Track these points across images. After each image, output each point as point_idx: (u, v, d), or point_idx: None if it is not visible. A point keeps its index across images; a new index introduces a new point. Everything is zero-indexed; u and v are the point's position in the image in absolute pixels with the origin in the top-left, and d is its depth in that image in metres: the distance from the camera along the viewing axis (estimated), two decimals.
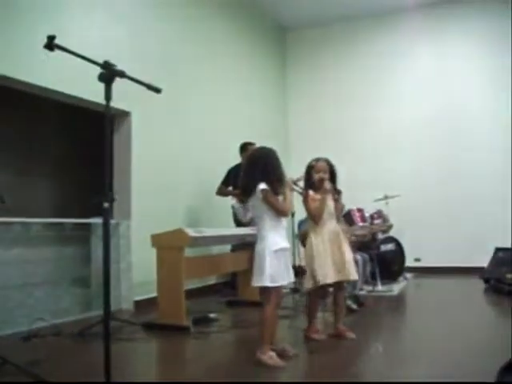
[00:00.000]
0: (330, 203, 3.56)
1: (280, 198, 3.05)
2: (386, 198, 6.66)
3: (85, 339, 3.64)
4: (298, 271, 4.31)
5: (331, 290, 3.76)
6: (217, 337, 3.78)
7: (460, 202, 7.37)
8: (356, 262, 4.59)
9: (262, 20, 8.16)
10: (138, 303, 4.90)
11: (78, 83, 4.32)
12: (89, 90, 4.05)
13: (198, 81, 6.25)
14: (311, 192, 3.54)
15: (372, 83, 8.19)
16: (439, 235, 7.37)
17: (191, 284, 4.99)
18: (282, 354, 2.99)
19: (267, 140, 4.14)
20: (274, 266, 2.92)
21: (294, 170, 3.83)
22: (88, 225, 4.99)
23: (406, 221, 7.18)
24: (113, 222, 4.72)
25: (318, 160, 3.61)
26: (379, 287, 5.78)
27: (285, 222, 3.14)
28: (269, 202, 2.97)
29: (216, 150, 6.39)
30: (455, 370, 2.72)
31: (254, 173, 3.02)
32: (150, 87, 2.37)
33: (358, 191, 6.44)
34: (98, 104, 4.26)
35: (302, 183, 3.59)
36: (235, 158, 5.78)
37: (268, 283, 2.91)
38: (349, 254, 3.54)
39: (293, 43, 8.93)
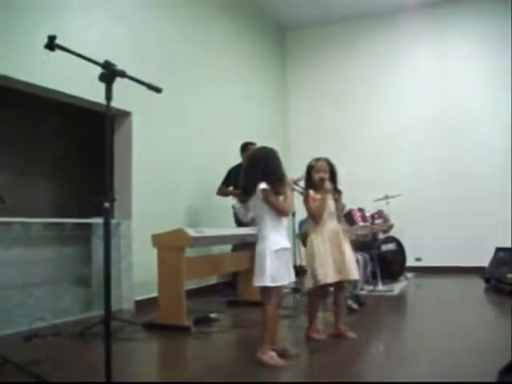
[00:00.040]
0: (331, 203, 3.56)
1: (281, 197, 3.05)
2: (386, 197, 6.66)
3: (85, 339, 3.64)
4: (299, 271, 4.31)
5: (332, 289, 3.76)
6: (217, 337, 3.78)
7: (460, 201, 7.37)
8: (357, 261, 4.59)
9: (262, 20, 8.16)
10: (138, 303, 4.90)
11: (79, 83, 4.32)
12: (89, 90, 4.06)
13: (198, 81, 6.25)
14: (311, 192, 3.54)
15: (372, 83, 8.19)
16: (440, 235, 7.37)
17: (192, 284, 4.99)
18: (282, 354, 2.99)
19: (267, 140, 4.14)
20: (274, 266, 2.92)
21: (294, 169, 3.83)
22: (88, 225, 4.99)
23: (407, 221, 7.19)
24: (113, 221, 4.72)
25: (318, 160, 3.61)
26: (380, 287, 5.78)
27: (285, 221, 3.14)
28: (269, 202, 2.97)
29: (216, 150, 6.39)
30: (455, 370, 2.72)
31: (254, 173, 3.02)
32: (150, 87, 2.37)
33: (359, 191, 6.44)
34: (98, 104, 4.26)
35: (302, 183, 3.59)
36: (236, 158, 5.78)
37: (269, 283, 2.91)
38: (350, 254, 3.54)
39: (293, 43, 8.93)
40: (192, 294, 4.64)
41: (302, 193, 3.58)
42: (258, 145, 4.10)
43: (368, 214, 6.41)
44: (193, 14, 6.23)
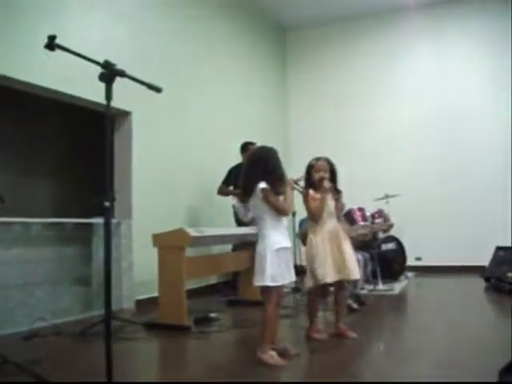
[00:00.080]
0: (330, 203, 3.55)
1: (281, 197, 3.05)
2: (386, 197, 6.67)
3: (86, 339, 3.64)
4: (299, 270, 4.31)
5: (332, 289, 3.76)
6: (218, 336, 3.78)
7: (460, 201, 7.37)
8: (357, 261, 4.59)
9: (262, 20, 8.16)
10: (139, 303, 4.91)
11: (79, 83, 4.32)
12: (89, 89, 4.06)
13: (198, 81, 6.25)
14: (311, 191, 3.54)
15: (372, 83, 8.18)
16: (440, 234, 7.38)
17: (192, 283, 5.00)
18: (283, 354, 2.99)
19: (267, 140, 4.14)
20: (274, 266, 2.92)
21: (294, 169, 3.83)
22: (89, 224, 4.99)
23: (407, 220, 7.19)
24: (114, 221, 4.72)
25: (318, 159, 3.61)
26: (380, 286, 5.78)
27: (285, 221, 3.14)
28: (269, 202, 2.97)
29: (216, 150, 6.39)
30: (456, 370, 2.72)
31: (254, 172, 3.02)
32: (150, 86, 2.37)
33: (359, 190, 6.44)
34: (98, 104, 4.26)
35: (302, 183, 3.58)
36: (236, 158, 5.78)
37: (269, 282, 2.91)
38: (350, 253, 3.53)
39: (293, 43, 8.93)
40: (192, 293, 4.64)
41: (302, 192, 3.58)
42: (258, 144, 4.09)
43: (368, 214, 6.41)
44: (193, 13, 6.23)
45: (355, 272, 3.53)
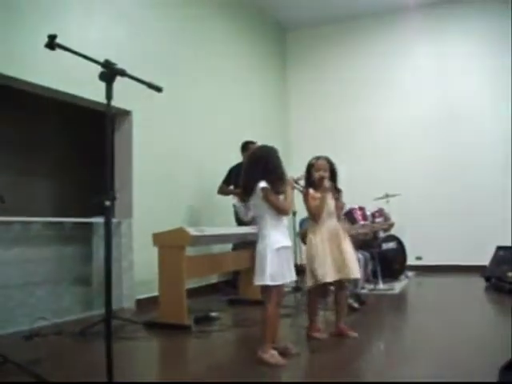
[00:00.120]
0: (330, 202, 3.55)
1: (281, 196, 3.05)
2: (386, 196, 6.67)
3: (86, 338, 3.64)
4: (300, 270, 4.31)
5: (333, 288, 3.75)
6: (218, 336, 3.78)
7: (461, 200, 7.37)
8: (358, 260, 4.58)
9: (262, 20, 8.16)
10: (139, 302, 4.91)
11: (79, 82, 4.32)
12: (89, 89, 4.06)
13: (198, 81, 6.25)
14: (311, 190, 3.54)
15: (373, 83, 8.18)
16: (440, 234, 7.37)
17: (192, 283, 5.00)
18: (283, 353, 2.99)
19: (268, 139, 4.14)
20: (275, 265, 2.92)
21: (294, 169, 3.83)
22: (89, 224, 4.99)
23: (408, 219, 7.18)
24: (114, 220, 4.73)
25: (318, 158, 3.61)
26: (381, 286, 5.78)
27: (286, 220, 3.14)
28: (269, 201, 2.97)
29: (217, 149, 6.39)
30: (456, 369, 2.72)
31: (254, 171, 3.02)
32: (150, 86, 2.37)
33: (359, 190, 6.45)
34: (98, 103, 4.27)
35: (302, 182, 3.58)
36: (236, 157, 5.78)
37: (269, 282, 2.91)
38: (350, 253, 3.53)
39: (293, 43, 8.93)
40: (193, 292, 4.64)
41: (302, 191, 3.58)
42: (259, 144, 4.09)
43: (368, 213, 6.40)
44: (193, 13, 6.23)
45: (355, 271, 3.53)
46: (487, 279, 5.88)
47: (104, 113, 2.26)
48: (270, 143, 3.28)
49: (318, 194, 3.50)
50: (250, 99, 7.49)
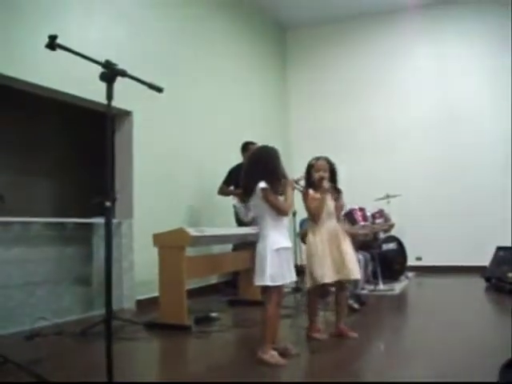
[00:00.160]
0: (330, 203, 3.54)
1: (282, 197, 3.05)
2: (387, 197, 6.67)
3: (87, 338, 3.64)
4: (300, 270, 4.31)
5: (333, 289, 3.75)
6: (218, 336, 3.78)
7: (461, 201, 7.37)
8: (358, 261, 4.58)
9: (261, 19, 8.15)
10: (139, 302, 4.91)
11: (79, 83, 4.33)
12: (90, 89, 4.06)
13: (198, 81, 6.25)
14: (311, 191, 3.53)
15: (373, 83, 8.18)
16: (440, 234, 7.37)
17: (193, 283, 5.00)
18: (283, 353, 2.99)
19: (268, 140, 4.14)
20: (274, 266, 2.92)
21: (295, 169, 3.83)
22: (89, 224, 4.99)
23: (408, 220, 7.18)
24: (115, 221, 4.73)
25: (318, 159, 3.60)
26: (381, 286, 5.78)
27: (286, 221, 3.14)
28: (268, 201, 2.97)
29: (217, 150, 6.39)
30: (456, 370, 2.72)
31: (254, 172, 3.02)
32: (151, 86, 2.37)
33: (359, 190, 6.44)
34: (99, 104, 4.27)
35: (302, 182, 3.58)
36: (236, 158, 5.78)
37: (269, 282, 2.91)
38: (350, 253, 3.52)
39: (293, 43, 8.92)
40: (193, 293, 4.65)
41: (302, 191, 3.58)
42: (259, 144, 4.09)
43: (369, 214, 6.40)
44: (193, 13, 6.23)
45: (355, 272, 3.52)
46: (487, 280, 5.88)
47: (104, 113, 2.25)
48: (270, 143, 3.28)
49: (318, 195, 3.49)
50: (249, 99, 7.49)
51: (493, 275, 5.78)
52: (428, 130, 7.73)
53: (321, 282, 3.41)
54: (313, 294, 3.61)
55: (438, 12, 7.75)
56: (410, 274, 6.90)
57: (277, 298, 3.00)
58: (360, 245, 5.87)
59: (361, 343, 3.43)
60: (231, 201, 5.74)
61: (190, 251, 4.23)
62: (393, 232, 6.78)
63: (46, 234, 4.69)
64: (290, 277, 3.04)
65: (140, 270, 4.87)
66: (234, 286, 5.59)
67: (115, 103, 2.26)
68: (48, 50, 2.12)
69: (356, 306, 4.53)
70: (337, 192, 3.60)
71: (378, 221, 6.44)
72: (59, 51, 2.13)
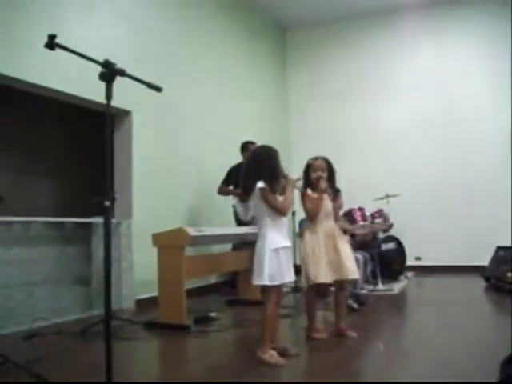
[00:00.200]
0: (327, 203, 3.54)
1: (282, 197, 3.05)
2: (386, 197, 6.67)
3: (86, 338, 3.64)
4: (299, 270, 4.31)
5: (332, 289, 3.75)
6: (217, 336, 3.78)
7: (460, 200, 7.38)
8: (356, 261, 4.58)
9: (261, 19, 8.15)
10: (139, 302, 4.91)
11: (79, 82, 4.33)
12: (89, 89, 4.06)
13: (198, 81, 6.25)
14: (309, 191, 3.53)
15: (373, 83, 8.19)
16: (440, 234, 7.38)
17: (192, 283, 5.00)
18: (283, 353, 2.99)
19: (268, 139, 4.14)
20: (273, 265, 2.92)
21: (295, 169, 3.82)
22: (89, 224, 4.99)
23: (407, 220, 7.18)
24: (114, 221, 4.73)
25: (315, 159, 3.60)
26: (380, 286, 5.78)
27: (285, 220, 3.14)
28: (267, 201, 2.97)
29: (217, 150, 6.39)
30: (456, 369, 2.72)
31: (254, 171, 3.02)
32: (150, 86, 2.37)
33: (359, 190, 6.45)
34: (98, 103, 4.27)
35: (301, 182, 3.58)
36: (236, 157, 5.78)
37: (267, 282, 2.91)
38: (347, 253, 3.51)
39: (293, 42, 8.93)
40: (192, 293, 4.65)
41: (300, 191, 3.58)
42: (258, 144, 4.09)
43: (368, 213, 6.41)
44: (192, 13, 6.23)
45: (353, 271, 3.50)
46: (487, 279, 5.88)
47: (104, 113, 2.26)
48: (270, 143, 3.28)
49: (316, 195, 3.50)
50: (249, 99, 7.49)
51: (492, 275, 5.78)
52: (428, 130, 7.74)
53: (315, 281, 3.41)
54: (310, 293, 3.61)
55: (443, 12, 7.76)
56: (410, 274, 6.90)
57: (276, 297, 3.00)
58: (359, 244, 5.89)
59: (360, 343, 3.43)
60: (231, 200, 5.75)
61: (189, 251, 4.23)
62: (392, 232, 6.79)
63: (45, 233, 4.69)
64: (290, 276, 3.03)
65: (139, 270, 4.87)
66: (234, 285, 5.60)
67: (114, 103, 2.26)
68: (47, 50, 2.12)
69: (355, 305, 4.54)
70: (335, 191, 3.60)
71: (378, 220, 6.45)
72: (59, 51, 2.13)
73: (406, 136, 7.86)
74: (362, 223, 6.09)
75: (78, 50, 2.18)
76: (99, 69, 2.19)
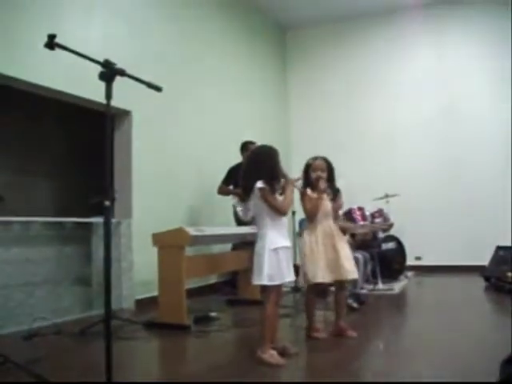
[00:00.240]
0: (327, 203, 3.54)
1: (281, 197, 3.05)
2: (386, 196, 6.67)
3: (86, 338, 3.64)
4: (299, 270, 4.31)
5: (332, 289, 3.75)
6: (217, 336, 3.78)
7: (460, 200, 7.38)
8: (356, 260, 4.58)
9: (261, 19, 8.15)
10: (139, 302, 4.91)
11: (79, 82, 4.32)
12: (89, 88, 4.06)
13: (198, 80, 6.25)
14: (309, 191, 3.53)
15: (373, 83, 8.18)
16: (440, 234, 7.38)
17: (192, 283, 5.00)
18: (282, 353, 2.99)
19: (268, 140, 4.13)
20: (272, 265, 2.92)
21: (294, 169, 3.82)
22: (89, 224, 4.99)
23: (407, 219, 7.18)
24: (114, 220, 4.73)
25: (315, 158, 3.60)
26: (380, 286, 5.78)
27: (285, 220, 3.14)
28: (266, 201, 2.97)
29: (216, 149, 6.39)
30: (456, 369, 2.72)
31: (253, 171, 3.02)
32: (150, 85, 2.37)
33: (359, 190, 6.45)
34: (98, 103, 4.27)
35: (301, 182, 3.58)
36: (236, 157, 5.78)
37: (266, 282, 2.91)
38: (346, 253, 3.50)
39: (293, 43, 8.92)
40: (192, 292, 4.65)
41: (300, 191, 3.57)
42: (258, 144, 4.09)
43: (368, 213, 6.40)
44: (192, 13, 6.23)
45: (352, 271, 3.50)
46: (487, 279, 5.88)
47: (103, 113, 2.26)
48: (270, 143, 3.28)
49: (315, 195, 3.49)
50: (249, 99, 7.49)
51: (492, 275, 5.78)
52: (428, 129, 7.74)
53: (312, 281, 3.41)
54: (309, 293, 3.61)
55: (443, 12, 7.75)
56: (410, 274, 6.90)
57: (275, 297, 3.00)
58: (359, 244, 5.89)
59: (360, 342, 3.43)
60: (230, 200, 5.74)
61: (189, 251, 4.23)
62: (392, 231, 6.79)
63: (45, 233, 4.69)
64: (290, 276, 3.03)
65: (139, 270, 4.87)
66: (234, 285, 5.60)
67: (114, 103, 2.25)
68: (47, 50, 2.12)
69: (355, 305, 4.54)
70: (334, 191, 3.60)
71: (377, 220, 6.45)
72: (59, 51, 2.13)
73: (405, 136, 7.86)
74: (361, 223, 6.08)
75: (77, 50, 2.18)
76: (99, 68, 2.19)
